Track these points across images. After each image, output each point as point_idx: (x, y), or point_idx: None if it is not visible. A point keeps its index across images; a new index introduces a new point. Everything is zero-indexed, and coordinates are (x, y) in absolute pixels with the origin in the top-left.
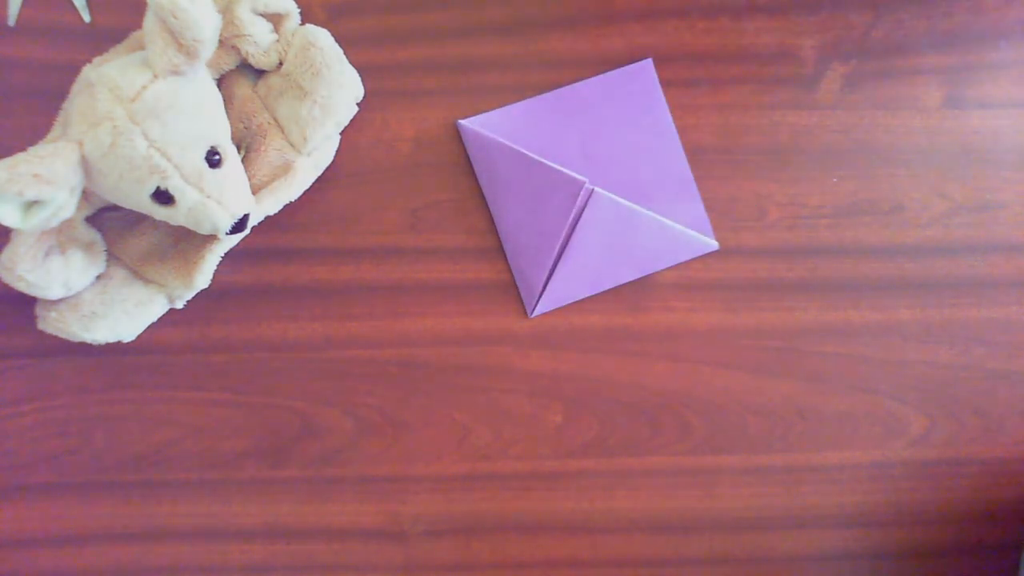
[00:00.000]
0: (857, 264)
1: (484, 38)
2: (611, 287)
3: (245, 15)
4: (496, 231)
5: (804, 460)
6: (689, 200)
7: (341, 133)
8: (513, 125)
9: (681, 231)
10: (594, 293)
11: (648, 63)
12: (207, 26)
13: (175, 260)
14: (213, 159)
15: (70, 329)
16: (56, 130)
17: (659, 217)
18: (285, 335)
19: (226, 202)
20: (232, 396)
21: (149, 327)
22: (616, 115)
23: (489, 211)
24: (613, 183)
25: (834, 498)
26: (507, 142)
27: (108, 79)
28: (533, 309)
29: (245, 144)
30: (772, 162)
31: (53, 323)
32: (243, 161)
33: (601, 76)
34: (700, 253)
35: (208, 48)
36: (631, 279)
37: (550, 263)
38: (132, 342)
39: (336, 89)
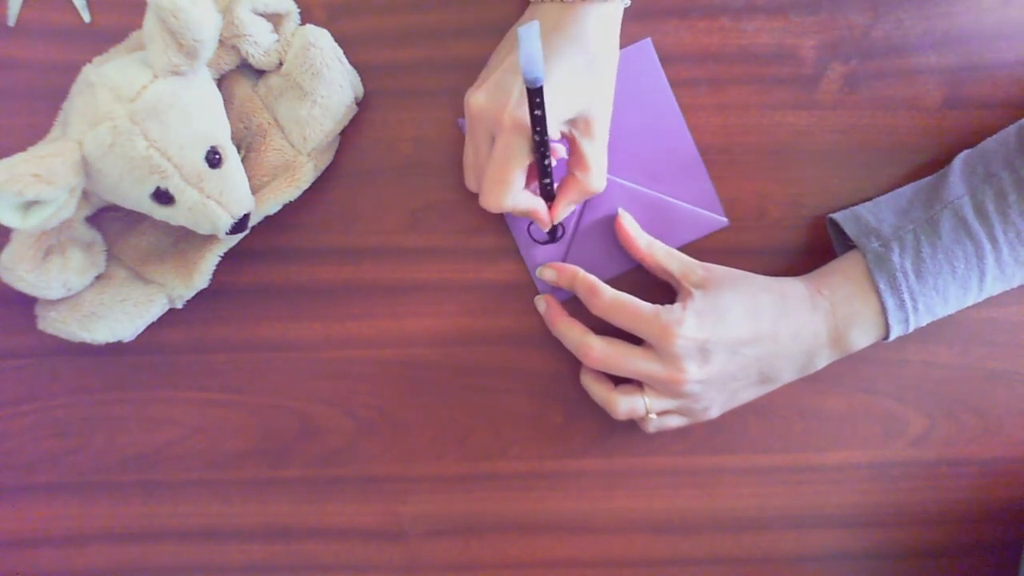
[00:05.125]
0: None
1: (484, 38)
2: (624, 271)
3: (245, 15)
4: (496, 231)
5: (804, 460)
6: (697, 178)
7: (341, 133)
8: None
9: (689, 209)
10: (608, 278)
11: (647, 43)
12: (207, 26)
13: (175, 260)
14: (213, 159)
15: (70, 329)
16: (56, 130)
17: (665, 196)
18: (285, 335)
19: (226, 202)
20: (232, 396)
21: (149, 327)
22: (618, 97)
23: (488, 211)
24: (619, 165)
25: (834, 498)
26: None
27: (108, 79)
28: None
29: (245, 144)
30: (772, 162)
31: (53, 323)
32: (243, 161)
33: None
34: (710, 230)
35: (208, 48)
36: None
37: (563, 250)
38: (132, 342)
39: (336, 89)
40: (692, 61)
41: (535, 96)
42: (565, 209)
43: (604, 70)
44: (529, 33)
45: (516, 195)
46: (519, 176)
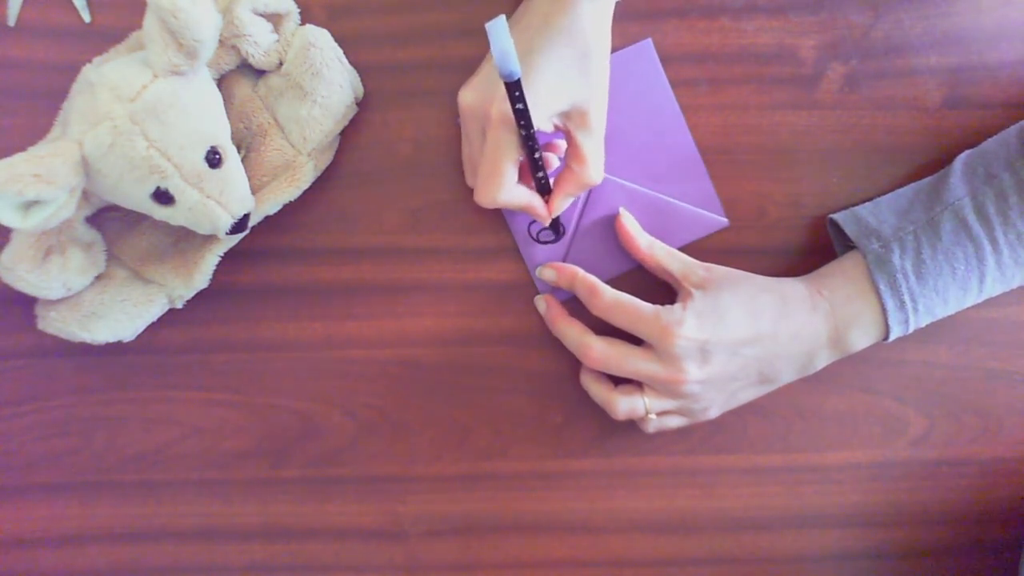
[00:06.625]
0: None
1: (484, 38)
2: (625, 271)
3: (245, 15)
4: (496, 230)
5: (804, 460)
6: (697, 178)
7: (341, 133)
8: None
9: (689, 209)
10: (608, 278)
11: (648, 43)
12: (207, 26)
13: (175, 260)
14: (213, 159)
15: (70, 329)
16: (56, 130)
17: (665, 196)
18: (285, 335)
19: (226, 202)
20: (232, 396)
21: (149, 327)
22: (619, 97)
23: (488, 211)
24: (619, 165)
25: (834, 498)
26: None
27: (108, 79)
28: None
29: (245, 144)
30: (772, 162)
31: (53, 323)
32: (243, 161)
33: None
34: (710, 231)
35: (208, 48)
36: None
37: (563, 250)
38: (132, 342)
39: (336, 89)
40: (692, 61)
41: (514, 90)
42: (563, 202)
43: (596, 62)
44: (496, 28)
45: (510, 189)
46: (511, 170)
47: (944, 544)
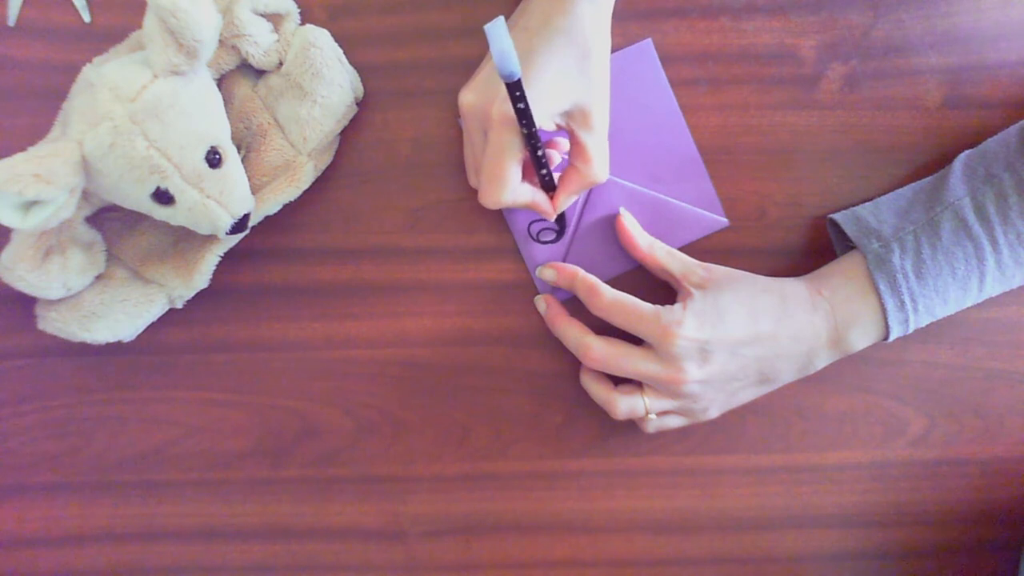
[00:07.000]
0: None
1: (484, 38)
2: (625, 271)
3: (245, 15)
4: (496, 230)
5: (804, 460)
6: (697, 178)
7: (341, 133)
8: None
9: (689, 209)
10: (608, 278)
11: (648, 43)
12: (207, 26)
13: (175, 260)
14: (213, 159)
15: (70, 329)
16: (56, 130)
17: (665, 197)
18: (285, 335)
19: (226, 202)
20: (232, 396)
21: (149, 327)
22: (618, 97)
23: (488, 211)
24: (620, 165)
25: (834, 498)
26: None
27: (108, 79)
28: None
29: (245, 144)
30: (772, 162)
31: (53, 323)
32: (243, 161)
33: None
34: (710, 231)
35: (208, 48)
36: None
37: (563, 250)
38: (132, 342)
39: (336, 89)
40: (692, 61)
41: (515, 90)
42: (567, 200)
43: (596, 61)
44: (496, 29)
45: (514, 189)
46: (514, 170)
47: (944, 544)
